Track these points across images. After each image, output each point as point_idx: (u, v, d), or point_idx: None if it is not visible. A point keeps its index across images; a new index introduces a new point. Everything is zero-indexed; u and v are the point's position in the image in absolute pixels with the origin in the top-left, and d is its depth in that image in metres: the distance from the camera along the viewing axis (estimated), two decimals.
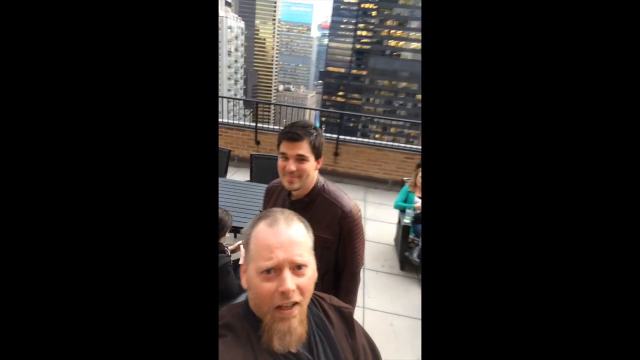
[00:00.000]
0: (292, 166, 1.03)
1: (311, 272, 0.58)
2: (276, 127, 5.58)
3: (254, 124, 5.35)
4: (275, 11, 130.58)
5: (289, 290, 0.53)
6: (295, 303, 0.55)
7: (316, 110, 10.05)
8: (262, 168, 3.46)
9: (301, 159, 1.04)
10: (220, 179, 3.11)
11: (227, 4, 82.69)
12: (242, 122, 5.54)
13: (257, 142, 5.39)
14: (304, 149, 1.03)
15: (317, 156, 1.08)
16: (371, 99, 74.68)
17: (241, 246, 1.38)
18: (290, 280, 0.54)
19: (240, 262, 0.74)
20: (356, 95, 78.92)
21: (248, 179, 3.60)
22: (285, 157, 1.05)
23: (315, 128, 1.07)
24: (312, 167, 1.07)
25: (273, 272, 0.54)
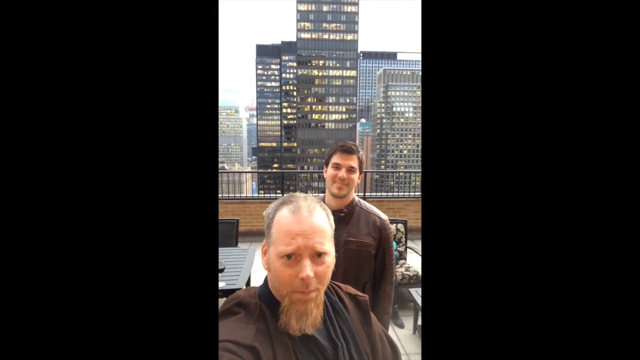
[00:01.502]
0: (344, 174, 1.21)
1: (330, 260, 0.59)
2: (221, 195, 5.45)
3: None
4: None
5: (309, 277, 0.54)
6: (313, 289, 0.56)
7: (255, 172, 10.17)
8: None
9: (351, 169, 1.22)
10: None
11: None
12: None
13: None
14: (355, 161, 1.23)
15: (360, 171, 1.27)
16: (305, 166, 78.53)
17: None
18: (309, 268, 0.55)
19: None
20: (291, 165, 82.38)
21: None
22: (338, 167, 1.22)
23: (359, 149, 1.28)
24: (356, 179, 1.25)
25: (293, 257, 0.55)
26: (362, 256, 1.23)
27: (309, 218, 0.57)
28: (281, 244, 0.56)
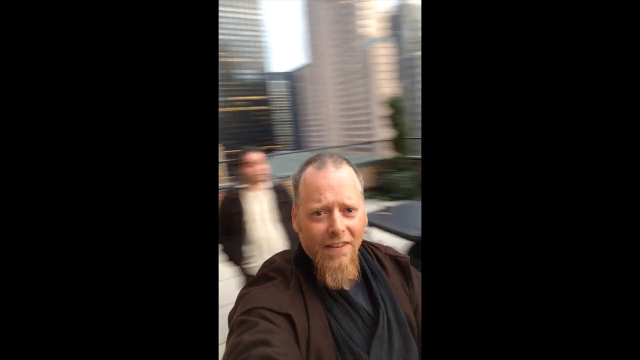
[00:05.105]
0: None
1: (361, 215, 0.58)
2: None
3: None
4: None
5: (339, 231, 0.54)
6: (346, 243, 0.56)
7: None
8: None
9: None
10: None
11: None
12: None
13: None
14: None
15: None
16: None
17: None
18: (340, 221, 0.54)
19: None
20: None
21: None
22: None
23: None
24: None
25: (323, 213, 0.55)
26: None
27: (334, 172, 0.56)
28: (310, 200, 0.56)
